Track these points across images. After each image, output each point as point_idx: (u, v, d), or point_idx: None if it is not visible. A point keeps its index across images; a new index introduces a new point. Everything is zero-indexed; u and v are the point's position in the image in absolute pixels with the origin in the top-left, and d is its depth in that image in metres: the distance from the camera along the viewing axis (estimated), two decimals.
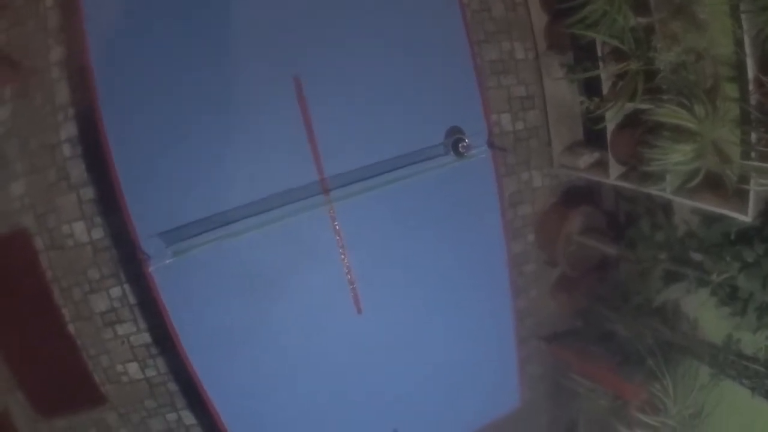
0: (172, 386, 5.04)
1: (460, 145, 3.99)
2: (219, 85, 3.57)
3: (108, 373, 4.92)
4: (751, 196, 4.32)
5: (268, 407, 4.05)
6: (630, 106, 4.83)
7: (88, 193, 4.65)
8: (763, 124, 4.11)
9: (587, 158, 5.64)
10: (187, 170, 3.55)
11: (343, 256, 3.92)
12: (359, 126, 3.84)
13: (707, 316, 5.26)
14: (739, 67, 4.20)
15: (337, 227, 3.86)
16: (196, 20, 3.52)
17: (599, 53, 4.93)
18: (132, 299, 4.83)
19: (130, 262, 4.68)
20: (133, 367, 4.96)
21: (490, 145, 4.18)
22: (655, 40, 4.53)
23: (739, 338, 4.86)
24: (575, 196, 6.15)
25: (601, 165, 5.54)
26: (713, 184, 4.62)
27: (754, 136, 4.18)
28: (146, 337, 4.92)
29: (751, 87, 4.10)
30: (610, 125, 5.10)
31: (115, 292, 4.80)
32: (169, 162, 3.51)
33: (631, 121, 5.00)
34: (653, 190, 4.93)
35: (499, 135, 5.65)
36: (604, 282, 5.89)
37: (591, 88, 5.26)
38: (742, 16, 3.97)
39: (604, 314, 5.60)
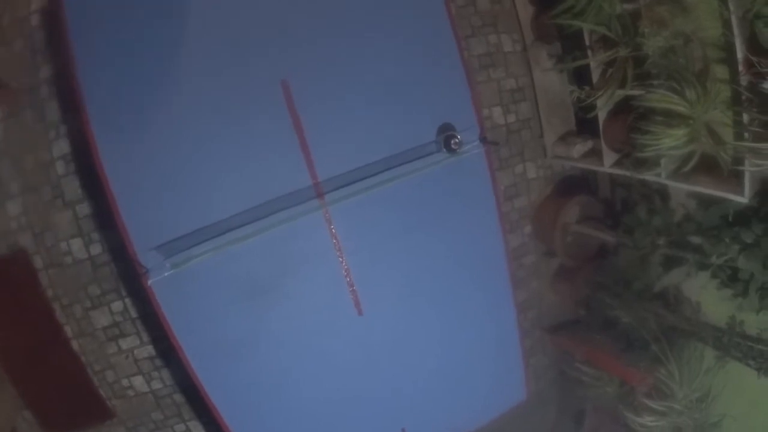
0: (179, 397, 5.05)
1: (452, 141, 4.00)
2: (208, 93, 3.58)
3: (114, 387, 4.92)
4: (747, 176, 4.31)
5: (274, 413, 4.07)
6: (621, 93, 4.83)
7: (84, 209, 4.64)
8: (754, 105, 4.11)
9: (580, 147, 5.64)
10: (181, 181, 3.56)
11: (341, 259, 3.93)
12: (350, 127, 3.85)
13: (709, 298, 5.25)
14: (728, 48, 4.20)
15: (334, 231, 3.86)
16: (182, 30, 3.52)
17: (587, 42, 4.93)
18: (133, 313, 4.83)
19: (130, 276, 4.68)
20: (138, 381, 4.96)
21: (483, 139, 4.19)
22: (643, 25, 4.52)
23: (743, 319, 4.85)
24: (570, 185, 6.15)
25: (594, 153, 5.55)
26: (708, 167, 4.62)
27: (746, 117, 4.17)
28: (150, 350, 4.92)
29: (740, 68, 4.09)
30: (602, 113, 5.10)
31: (117, 306, 4.79)
32: (163, 174, 3.53)
33: (623, 108, 4.99)
34: (648, 176, 4.92)
35: (491, 129, 5.65)
36: (603, 270, 5.89)
37: (581, 77, 5.26)
38: None
39: (605, 302, 5.59)
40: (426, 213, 4.16)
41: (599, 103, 4.98)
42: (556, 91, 5.82)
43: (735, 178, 4.44)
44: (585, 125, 5.66)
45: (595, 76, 5.02)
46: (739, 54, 4.07)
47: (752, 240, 4.51)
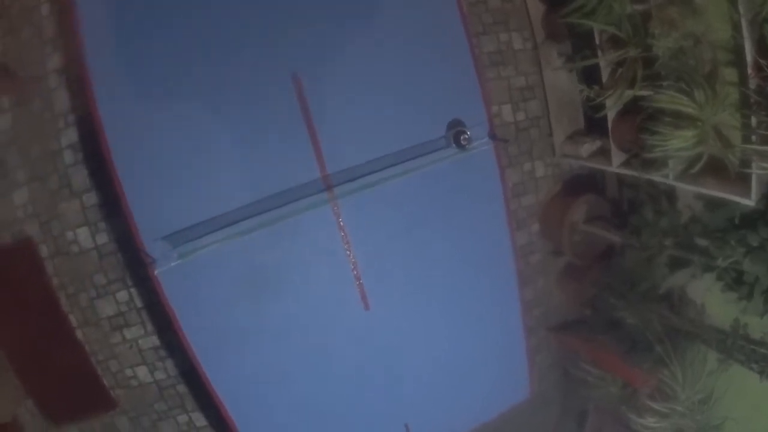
0: (182, 388, 5.05)
1: (461, 137, 4.00)
2: (218, 85, 3.58)
3: (117, 377, 4.93)
4: (754, 179, 4.31)
5: (278, 406, 4.07)
6: (630, 94, 4.82)
7: (91, 198, 4.65)
8: (762, 108, 4.10)
9: (589, 146, 5.64)
10: (190, 172, 3.56)
11: (348, 253, 3.93)
12: (360, 122, 3.85)
13: (714, 301, 5.24)
14: (737, 51, 4.19)
15: (342, 224, 3.86)
16: (193, 22, 3.53)
17: (597, 41, 4.92)
18: (139, 303, 4.84)
19: (136, 265, 4.69)
20: (142, 371, 4.96)
21: (492, 136, 4.19)
22: (653, 26, 4.52)
23: (747, 322, 4.85)
24: (578, 184, 6.14)
25: (603, 153, 5.54)
26: (716, 169, 4.61)
27: (754, 120, 4.17)
28: (154, 340, 4.93)
29: (749, 71, 4.09)
30: (611, 113, 5.09)
31: (122, 296, 4.80)
32: (171, 164, 3.53)
33: (632, 108, 4.99)
34: (656, 177, 4.93)
35: (500, 126, 5.64)
36: (610, 270, 5.88)
37: (590, 76, 5.24)
38: None
39: (611, 302, 5.58)
40: (434, 208, 4.17)
41: (608, 102, 4.98)
42: (566, 89, 5.81)
43: (742, 180, 4.43)
44: (594, 125, 5.65)
45: (605, 76, 5.01)
46: (749, 57, 4.07)
47: (758, 243, 4.51)
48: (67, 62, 4.53)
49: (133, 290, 4.81)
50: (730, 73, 4.35)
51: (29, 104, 4.56)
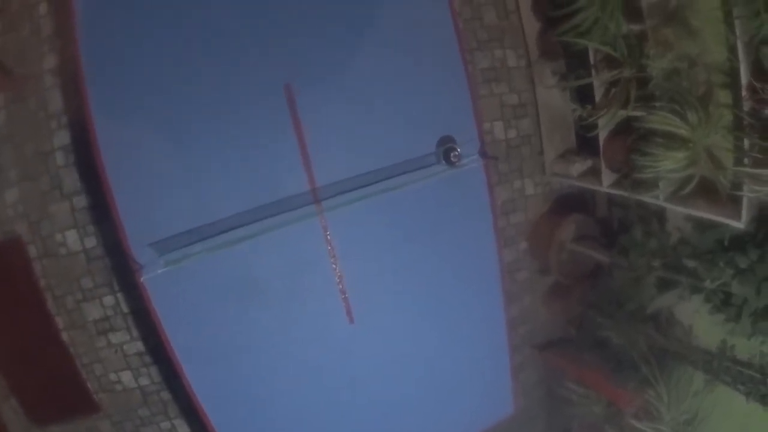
0: (166, 395, 5.04)
1: (451, 154, 4.00)
2: (211, 93, 3.58)
3: (101, 381, 4.92)
4: (744, 202, 4.31)
5: (261, 417, 4.06)
6: (622, 114, 4.83)
7: (81, 201, 4.65)
8: (756, 130, 4.11)
9: (580, 166, 5.64)
10: (180, 179, 3.56)
11: (334, 266, 3.93)
12: (351, 135, 3.85)
13: (701, 322, 5.24)
14: (732, 73, 4.20)
15: (329, 237, 3.86)
16: (188, 30, 3.53)
17: (592, 60, 4.93)
18: (125, 308, 4.83)
19: (123, 271, 4.67)
20: (126, 376, 4.95)
21: (482, 154, 4.18)
22: (648, 47, 4.54)
23: (734, 344, 4.85)
24: (568, 203, 6.14)
25: (593, 172, 5.54)
26: (706, 191, 4.62)
27: (746, 143, 4.17)
28: (139, 346, 4.91)
29: (743, 93, 4.10)
30: (603, 133, 5.09)
31: (108, 300, 4.79)
32: (162, 171, 3.53)
33: (624, 128, 4.99)
34: (646, 198, 4.93)
35: (491, 143, 5.64)
36: (597, 289, 5.89)
37: (583, 95, 5.25)
38: (735, 21, 3.97)
39: (597, 321, 5.59)
40: (422, 224, 4.16)
41: (601, 122, 4.98)
42: (558, 108, 5.82)
43: (733, 203, 4.44)
44: (585, 144, 5.65)
45: (598, 96, 5.01)
46: (743, 79, 4.07)
47: (747, 265, 4.51)
48: (63, 62, 4.53)
49: (119, 295, 4.80)
50: (724, 95, 4.35)
51: (24, 103, 4.56)
